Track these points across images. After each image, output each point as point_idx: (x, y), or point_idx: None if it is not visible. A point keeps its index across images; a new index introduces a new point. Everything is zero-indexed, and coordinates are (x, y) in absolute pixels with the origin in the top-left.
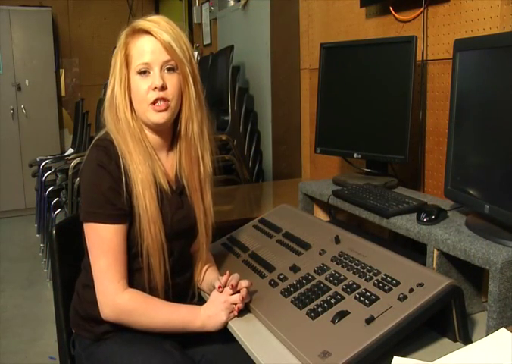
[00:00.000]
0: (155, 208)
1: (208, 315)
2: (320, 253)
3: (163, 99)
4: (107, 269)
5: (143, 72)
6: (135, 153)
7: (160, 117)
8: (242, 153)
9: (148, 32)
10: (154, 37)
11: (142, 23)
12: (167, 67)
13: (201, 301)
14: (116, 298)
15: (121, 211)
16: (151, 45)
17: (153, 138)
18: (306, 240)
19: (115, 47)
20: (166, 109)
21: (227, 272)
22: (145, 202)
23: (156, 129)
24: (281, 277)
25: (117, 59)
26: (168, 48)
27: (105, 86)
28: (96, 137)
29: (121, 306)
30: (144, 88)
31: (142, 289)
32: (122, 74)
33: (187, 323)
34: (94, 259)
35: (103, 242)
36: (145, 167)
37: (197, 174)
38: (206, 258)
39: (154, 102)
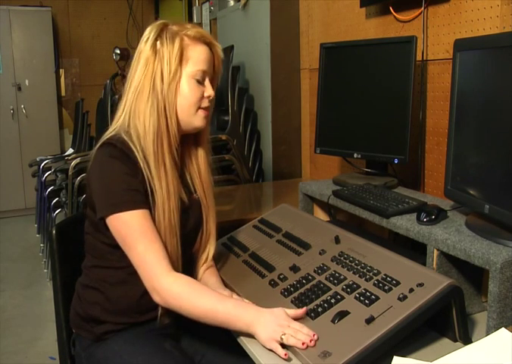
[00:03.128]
0: (175, 221)
1: (265, 317)
2: (320, 253)
3: (209, 108)
4: (144, 253)
5: (200, 80)
6: (169, 164)
7: (204, 123)
8: (242, 153)
9: (208, 43)
10: (211, 50)
11: (205, 33)
12: (211, 82)
13: None
14: (160, 279)
15: (141, 196)
16: (208, 57)
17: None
18: (306, 240)
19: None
20: (208, 116)
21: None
22: (168, 213)
23: (185, 132)
24: (281, 277)
25: (166, 55)
26: (217, 65)
27: (105, 86)
28: (103, 139)
29: (165, 288)
30: (198, 94)
31: (142, 287)
32: (175, 72)
33: (232, 319)
34: (130, 250)
35: (134, 229)
36: (174, 179)
37: (211, 181)
38: (208, 260)
39: (203, 109)
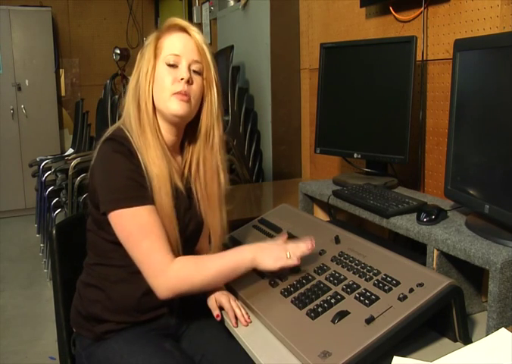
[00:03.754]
0: (170, 205)
1: (261, 245)
2: (320, 253)
3: (187, 93)
4: (151, 250)
5: (172, 64)
6: (153, 147)
7: (181, 108)
8: (242, 153)
9: (184, 29)
10: (190, 35)
11: (178, 20)
12: (194, 68)
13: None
14: (167, 272)
15: (145, 191)
16: (184, 41)
17: (166, 137)
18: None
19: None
20: (187, 101)
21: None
22: (162, 197)
23: (172, 123)
24: (281, 277)
25: (145, 52)
26: (200, 49)
27: (105, 86)
28: (106, 134)
29: (174, 277)
30: (169, 78)
31: (143, 286)
32: (149, 64)
33: (238, 262)
34: (134, 246)
35: (140, 225)
36: (162, 163)
37: (217, 186)
38: None
39: (177, 93)
